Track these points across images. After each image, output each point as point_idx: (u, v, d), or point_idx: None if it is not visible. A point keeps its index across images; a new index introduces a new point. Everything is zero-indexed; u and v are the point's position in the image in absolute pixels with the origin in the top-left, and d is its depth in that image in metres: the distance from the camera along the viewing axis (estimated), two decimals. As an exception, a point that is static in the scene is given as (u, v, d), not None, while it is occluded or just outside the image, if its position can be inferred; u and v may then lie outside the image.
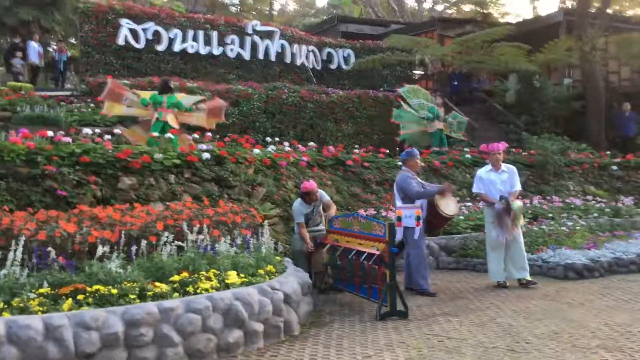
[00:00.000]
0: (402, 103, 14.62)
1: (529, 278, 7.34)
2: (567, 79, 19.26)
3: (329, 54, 19.02)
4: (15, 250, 4.68)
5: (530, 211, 10.28)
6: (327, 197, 7.79)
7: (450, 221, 8.38)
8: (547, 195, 12.28)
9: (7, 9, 22.00)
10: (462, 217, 9.84)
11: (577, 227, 9.56)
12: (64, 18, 24.43)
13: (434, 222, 7.33)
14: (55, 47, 19.86)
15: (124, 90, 10.05)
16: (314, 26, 26.77)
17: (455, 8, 37.65)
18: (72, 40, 28.77)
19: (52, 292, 4.48)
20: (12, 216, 5.57)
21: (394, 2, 36.33)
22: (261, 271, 5.70)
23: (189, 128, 10.62)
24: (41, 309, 4.21)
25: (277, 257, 6.46)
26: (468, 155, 13.10)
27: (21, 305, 4.23)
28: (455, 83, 19.14)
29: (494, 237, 7.30)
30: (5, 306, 4.22)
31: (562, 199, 11.89)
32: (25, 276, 4.62)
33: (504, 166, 7.50)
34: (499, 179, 7.39)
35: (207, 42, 16.39)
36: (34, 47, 17.81)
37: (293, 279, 5.85)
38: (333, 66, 19.05)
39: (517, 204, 7.24)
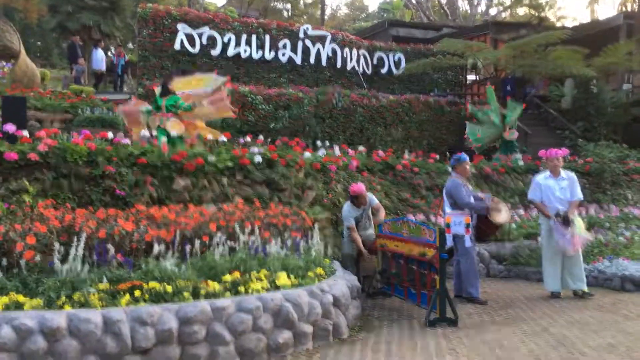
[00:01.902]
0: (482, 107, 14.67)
1: (585, 289, 7.14)
2: (626, 85, 18.62)
3: (380, 58, 18.99)
4: (77, 247, 4.89)
5: (585, 220, 9.99)
6: (376, 201, 7.78)
7: (501, 228, 8.24)
8: (604, 204, 11.90)
9: (69, 14, 22.98)
10: (514, 225, 9.66)
11: (636, 238, 9.23)
12: (122, 23, 25.31)
13: (484, 229, 7.22)
14: (114, 52, 20.55)
15: (137, 111, 9.30)
16: (364, 30, 26.79)
17: (509, 11, 36.96)
18: (130, 45, 29.75)
19: (111, 287, 4.65)
20: (74, 213, 5.81)
21: (445, 5, 35.95)
22: (311, 274, 5.75)
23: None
24: (101, 303, 4.38)
25: (326, 260, 6.50)
26: (520, 162, 12.85)
27: (82, 299, 4.41)
28: (509, 88, 18.76)
29: (557, 246, 7.12)
30: (67, 300, 4.41)
31: (620, 208, 11.50)
32: (86, 272, 4.82)
33: (563, 173, 7.28)
34: (557, 185, 7.17)
35: (260, 46, 16.63)
36: (99, 53, 18.62)
37: (342, 282, 5.88)
38: (383, 70, 19.01)
39: (578, 221, 7.04)
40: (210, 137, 9.12)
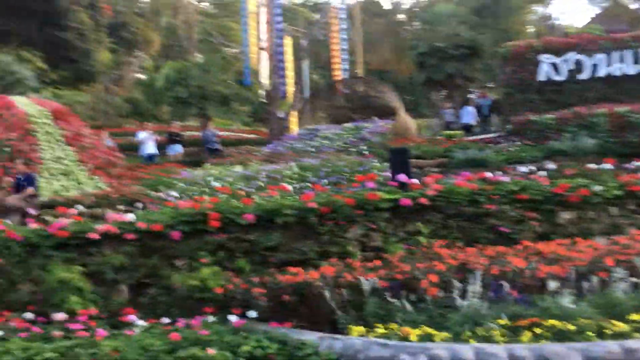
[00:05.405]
0: None
1: None
2: None
3: None
4: (474, 284, 5.14)
5: None
6: None
7: None
8: None
9: (435, 66, 24.89)
10: None
11: None
12: (482, 65, 26.14)
13: None
14: (477, 94, 21.25)
15: None
16: None
17: None
18: (489, 85, 30.39)
19: (510, 324, 4.72)
20: (465, 252, 6.14)
21: None
22: None
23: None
24: (503, 339, 4.49)
25: None
26: None
27: (484, 334, 4.60)
28: None
29: None
30: (471, 334, 4.66)
31: None
32: (486, 308, 5.01)
33: None
34: None
35: (637, 60, 14.98)
36: (470, 109, 19.36)
37: None
38: None
39: None
40: None
